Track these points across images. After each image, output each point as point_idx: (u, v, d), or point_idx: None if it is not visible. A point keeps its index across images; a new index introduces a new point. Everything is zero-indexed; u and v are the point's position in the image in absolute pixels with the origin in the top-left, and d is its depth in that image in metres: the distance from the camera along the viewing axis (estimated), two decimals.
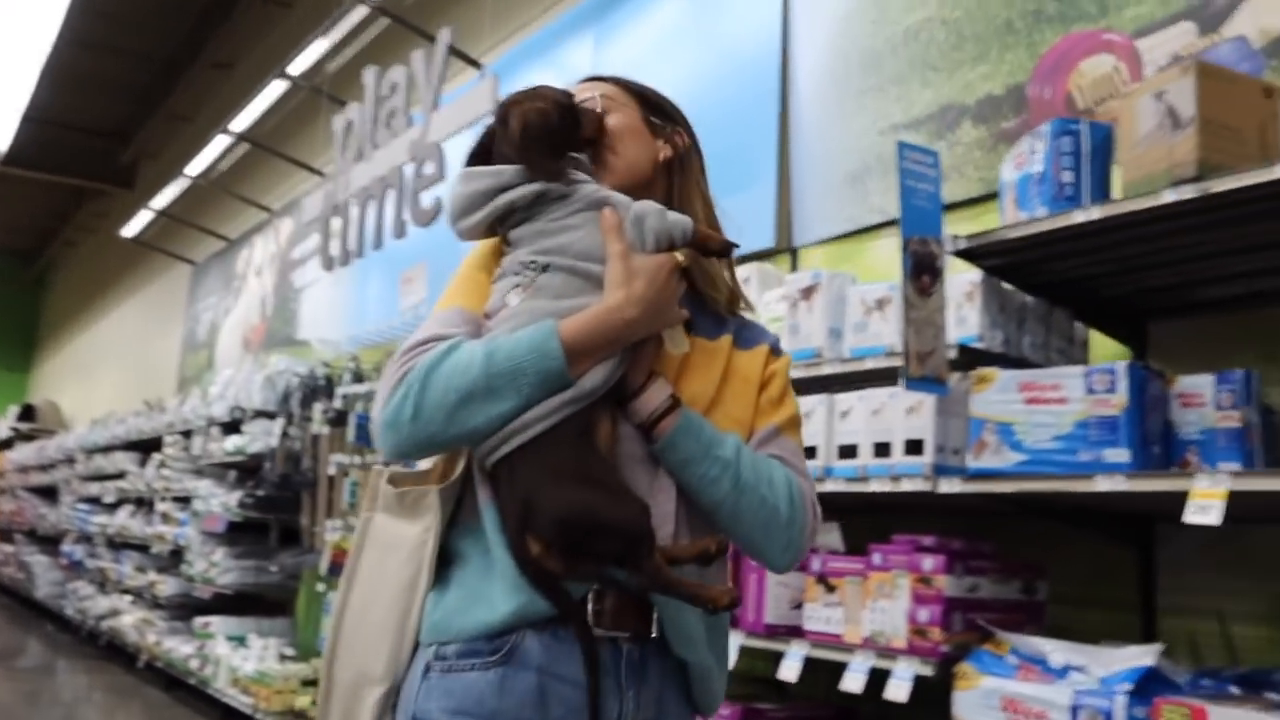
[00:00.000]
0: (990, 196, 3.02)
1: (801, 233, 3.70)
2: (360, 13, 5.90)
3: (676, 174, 1.42)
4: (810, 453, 2.53)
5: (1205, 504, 1.69)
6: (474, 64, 5.86)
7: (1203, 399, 1.95)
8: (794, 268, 3.69)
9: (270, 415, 6.33)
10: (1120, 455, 1.88)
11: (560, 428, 1.17)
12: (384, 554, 1.26)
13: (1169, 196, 1.83)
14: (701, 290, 1.37)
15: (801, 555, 1.29)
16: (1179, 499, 1.76)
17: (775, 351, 1.41)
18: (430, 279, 5.38)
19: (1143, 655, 1.90)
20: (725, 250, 1.33)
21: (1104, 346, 2.65)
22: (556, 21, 5.36)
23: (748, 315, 1.45)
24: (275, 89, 7.04)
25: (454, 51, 5.24)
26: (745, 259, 3.86)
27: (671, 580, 1.17)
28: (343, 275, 6.27)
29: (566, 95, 1.34)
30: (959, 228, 3.12)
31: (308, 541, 5.81)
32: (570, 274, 1.24)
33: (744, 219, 3.79)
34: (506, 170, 1.27)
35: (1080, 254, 2.16)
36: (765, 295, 2.89)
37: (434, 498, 1.25)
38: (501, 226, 1.31)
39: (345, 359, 5.91)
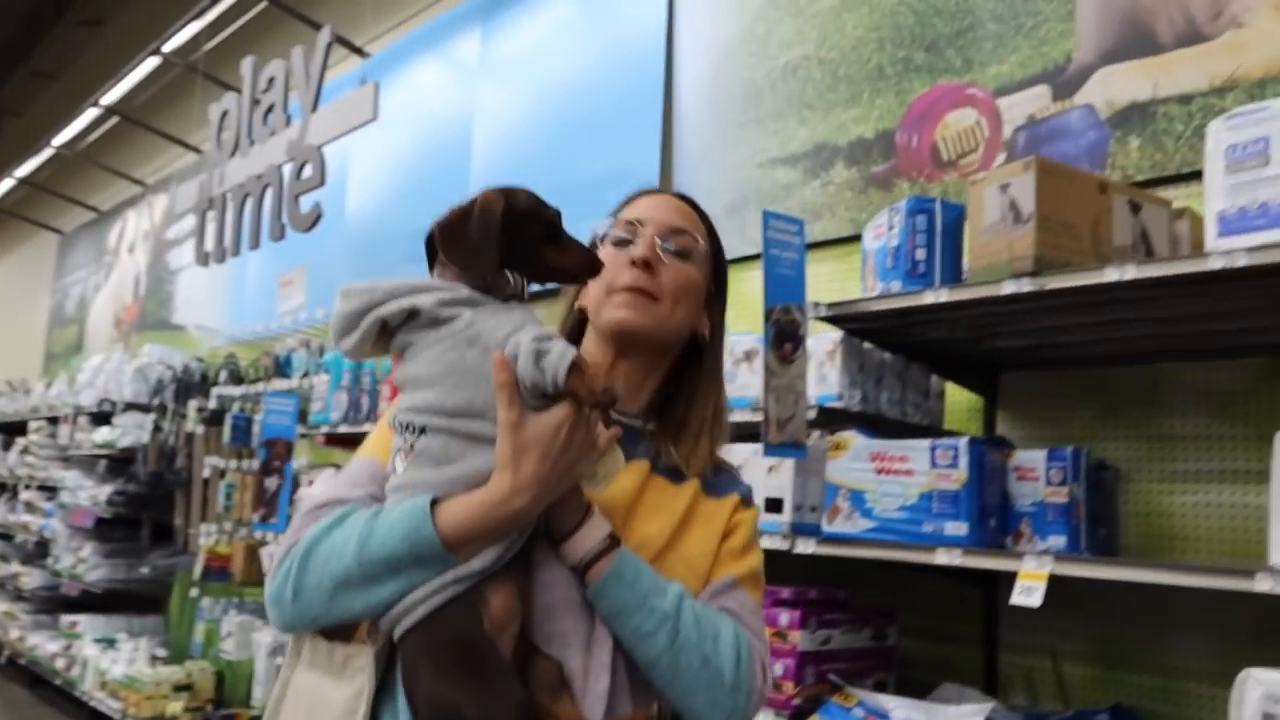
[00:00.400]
0: (857, 237, 3.12)
1: None
2: None
3: (712, 349, 1.35)
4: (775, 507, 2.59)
5: (1030, 585, 1.81)
6: (358, 51, 5.72)
7: (1036, 473, 2.07)
8: None
9: (142, 408, 6.13)
10: (959, 528, 1.99)
11: (448, 606, 1.05)
12: (308, 717, 1.13)
13: (1009, 288, 1.93)
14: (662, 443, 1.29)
15: None
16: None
17: (746, 502, 1.32)
18: (310, 285, 5.27)
19: (976, 714, 2.02)
20: (603, 403, 1.09)
21: (959, 396, 2.79)
22: (444, 15, 5.26)
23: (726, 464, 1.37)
24: (148, 64, 6.74)
25: (337, 39, 5.11)
26: None
27: None
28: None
29: (539, 200, 1.17)
30: (830, 265, 3.24)
31: (181, 542, 5.67)
32: (450, 436, 1.09)
33: None
34: (378, 288, 1.12)
35: (933, 324, 2.26)
36: None
37: (367, 659, 1.10)
38: (388, 347, 1.14)
39: (221, 354, 5.76)
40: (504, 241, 1.11)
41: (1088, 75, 2.65)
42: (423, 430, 1.09)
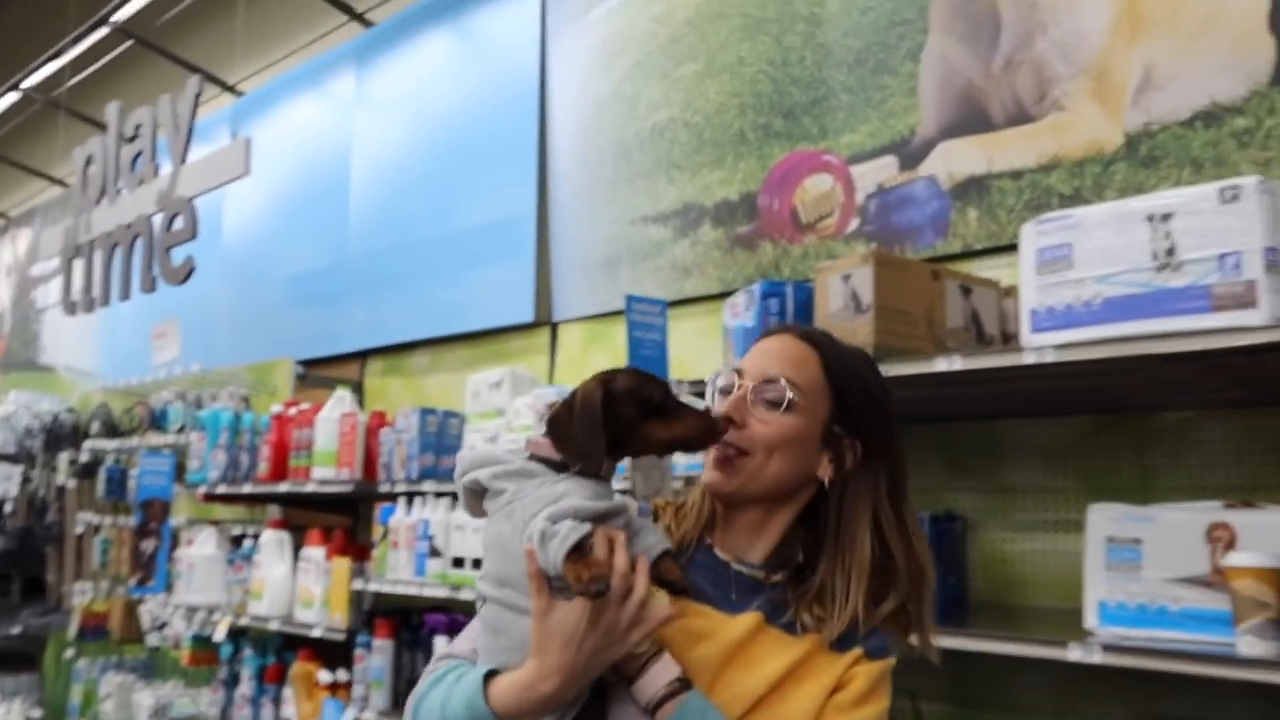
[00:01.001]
0: (726, 294, 3.25)
1: (560, 309, 3.83)
2: (101, 32, 5.53)
3: (838, 496, 1.30)
4: None
5: None
6: (230, 89, 5.63)
7: None
8: (553, 343, 3.83)
9: (9, 458, 5.90)
10: None
11: None
12: None
13: None
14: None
15: None
16: None
17: (871, 655, 1.26)
18: (187, 334, 5.17)
19: None
20: (589, 593, 1.10)
21: None
22: (320, 54, 5.22)
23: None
24: (8, 98, 6.49)
25: (208, 78, 5.03)
26: (507, 330, 3.98)
27: None
28: None
29: (641, 377, 1.23)
30: (699, 321, 3.36)
31: (54, 599, 5.48)
32: (500, 605, 1.18)
33: (505, 290, 3.93)
34: (466, 458, 1.24)
35: None
36: (516, 401, 3.00)
37: None
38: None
39: (93, 401, 5.59)
40: (607, 428, 1.19)
41: (930, 148, 2.83)
42: (484, 599, 1.21)
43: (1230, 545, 1.75)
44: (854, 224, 2.99)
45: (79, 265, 4.97)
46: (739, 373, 1.33)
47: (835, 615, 1.25)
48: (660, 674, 1.16)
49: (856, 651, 1.25)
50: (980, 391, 2.38)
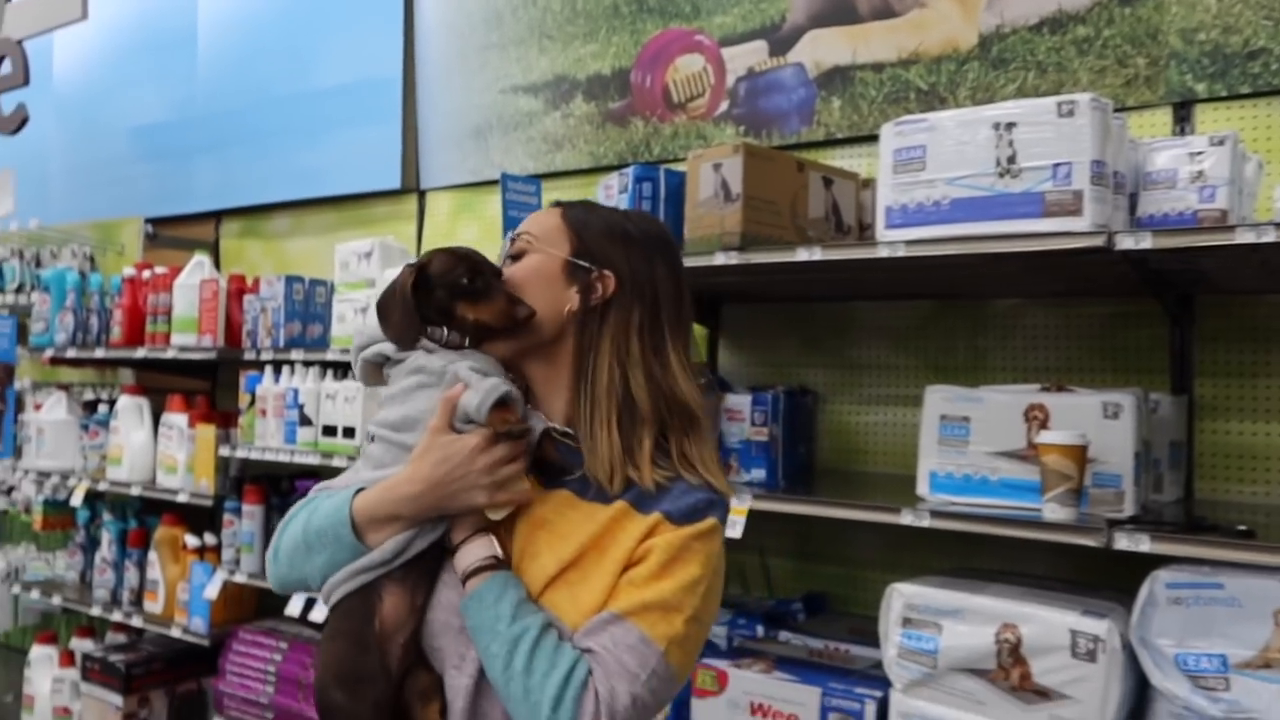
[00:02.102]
0: (598, 169, 3.30)
1: (428, 176, 3.78)
2: None
3: (590, 327, 1.28)
4: None
5: (733, 519, 2.13)
6: None
7: (742, 415, 2.39)
8: (421, 210, 3.80)
9: None
10: None
11: (352, 597, 1.21)
12: None
13: (720, 259, 2.18)
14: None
15: None
16: None
17: (675, 519, 1.21)
18: (22, 190, 4.83)
19: None
20: (510, 435, 1.19)
21: None
22: None
23: (694, 479, 1.26)
24: None
25: None
26: (372, 196, 3.91)
27: None
28: None
29: (453, 260, 1.27)
30: (570, 195, 3.39)
31: None
32: (388, 444, 1.27)
33: (370, 155, 3.85)
34: (364, 332, 1.33)
35: None
36: (386, 272, 3.01)
37: None
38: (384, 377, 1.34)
39: None
40: (420, 309, 1.27)
41: (799, 36, 2.90)
42: (373, 438, 1.30)
43: (1044, 424, 1.98)
44: (723, 106, 3.06)
45: None
46: (512, 239, 1.39)
47: (594, 462, 1.24)
48: (477, 549, 1.20)
49: (653, 518, 1.20)
50: (835, 277, 2.54)
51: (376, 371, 1.34)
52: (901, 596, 1.99)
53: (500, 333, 1.28)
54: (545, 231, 1.33)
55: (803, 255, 2.08)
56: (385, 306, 1.29)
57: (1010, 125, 1.86)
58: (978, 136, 1.89)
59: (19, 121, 3.84)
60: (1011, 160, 1.86)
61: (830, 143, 2.85)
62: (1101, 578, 2.15)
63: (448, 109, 3.72)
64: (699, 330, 3.07)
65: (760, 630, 2.52)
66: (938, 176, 1.94)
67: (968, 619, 1.90)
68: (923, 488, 2.12)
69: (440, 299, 1.27)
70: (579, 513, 1.24)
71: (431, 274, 1.28)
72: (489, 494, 1.20)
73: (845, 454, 2.82)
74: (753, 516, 2.18)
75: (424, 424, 1.23)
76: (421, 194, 3.82)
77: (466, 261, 1.29)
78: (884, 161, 2.02)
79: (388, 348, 1.30)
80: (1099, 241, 1.76)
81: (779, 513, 2.23)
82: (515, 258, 1.34)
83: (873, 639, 2.36)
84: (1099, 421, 1.93)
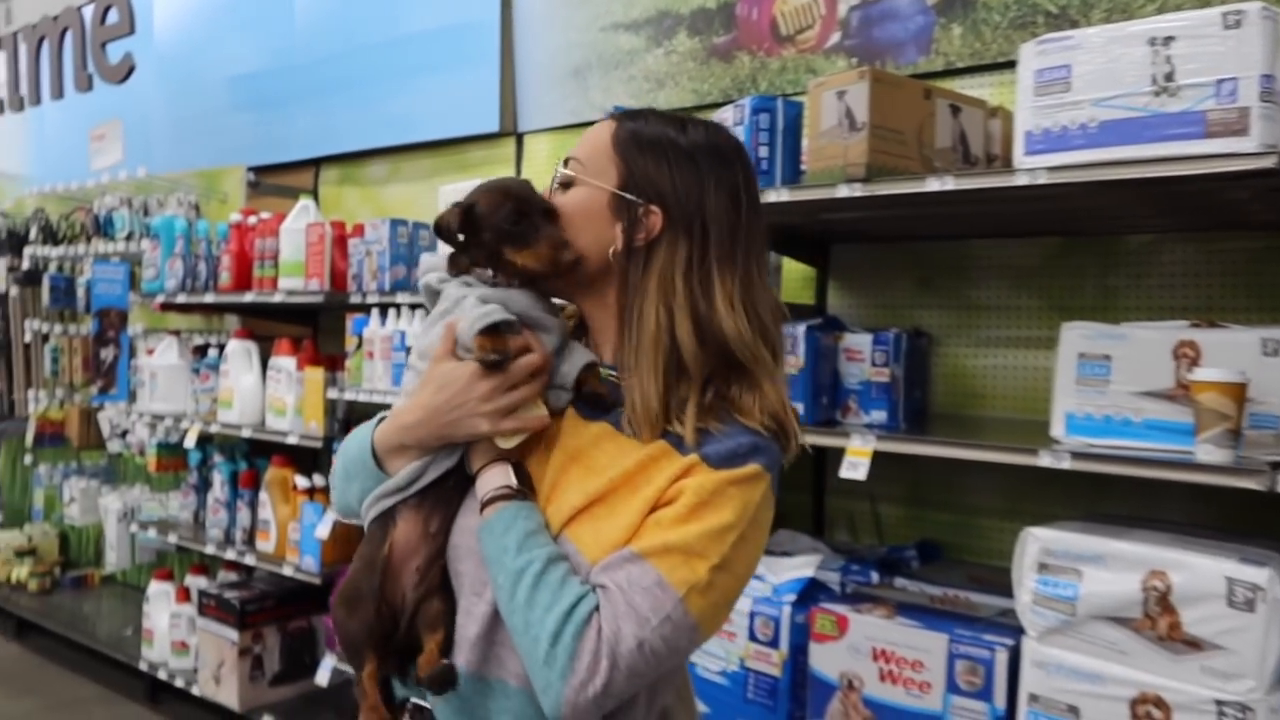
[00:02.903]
0: (702, 106, 3.21)
1: (526, 119, 3.74)
2: None
3: (635, 268, 1.19)
4: None
5: (856, 461, 2.07)
6: None
7: (862, 355, 2.31)
8: (519, 153, 3.76)
9: None
10: (798, 407, 2.21)
11: (373, 522, 1.23)
12: None
13: (843, 191, 2.09)
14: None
15: (569, 709, 1.05)
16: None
17: (713, 462, 1.12)
18: (127, 140, 4.92)
19: (806, 566, 2.32)
20: (486, 362, 1.14)
21: (794, 268, 2.99)
22: None
23: (743, 421, 1.16)
24: None
25: None
26: (469, 141, 3.89)
27: (372, 705, 1.20)
28: None
29: (500, 199, 1.21)
30: None
31: (5, 406, 5.44)
32: (416, 373, 1.27)
33: (467, 99, 3.82)
34: (422, 264, 1.34)
35: (775, 213, 2.42)
36: None
37: None
38: None
39: (28, 206, 5.37)
40: (469, 251, 1.24)
41: None
42: (409, 368, 1.29)
43: (1195, 362, 1.86)
44: (834, 37, 2.94)
45: (2, 60, 4.67)
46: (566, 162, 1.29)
47: (632, 410, 1.16)
48: (493, 478, 1.17)
49: (690, 459, 1.12)
50: (953, 212, 2.43)
51: (435, 298, 1.32)
52: (1037, 541, 1.91)
53: (546, 277, 1.23)
54: (593, 156, 1.23)
55: (933, 185, 1.99)
56: (440, 236, 1.27)
57: (1168, 40, 1.73)
58: (1131, 53, 1.77)
59: (126, 71, 3.90)
60: (1169, 78, 1.73)
61: (949, 72, 2.72)
62: (1253, 525, 2.03)
63: (546, 49, 3.66)
64: (804, 270, 2.98)
65: (875, 576, 2.47)
66: (1084, 97, 1.82)
67: (1110, 565, 1.81)
68: (1058, 429, 2.02)
69: (487, 241, 1.22)
70: (615, 446, 1.18)
71: (479, 215, 1.23)
72: (491, 421, 1.16)
73: (961, 398, 2.73)
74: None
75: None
76: (519, 137, 3.78)
77: (513, 201, 1.22)
78: (1023, 83, 1.91)
79: (431, 277, 1.27)
80: (1269, 163, 1.63)
81: (894, 454, 2.16)
82: (565, 186, 1.25)
83: (994, 587, 2.30)
84: (1257, 359, 1.81)
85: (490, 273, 1.24)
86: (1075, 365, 2.00)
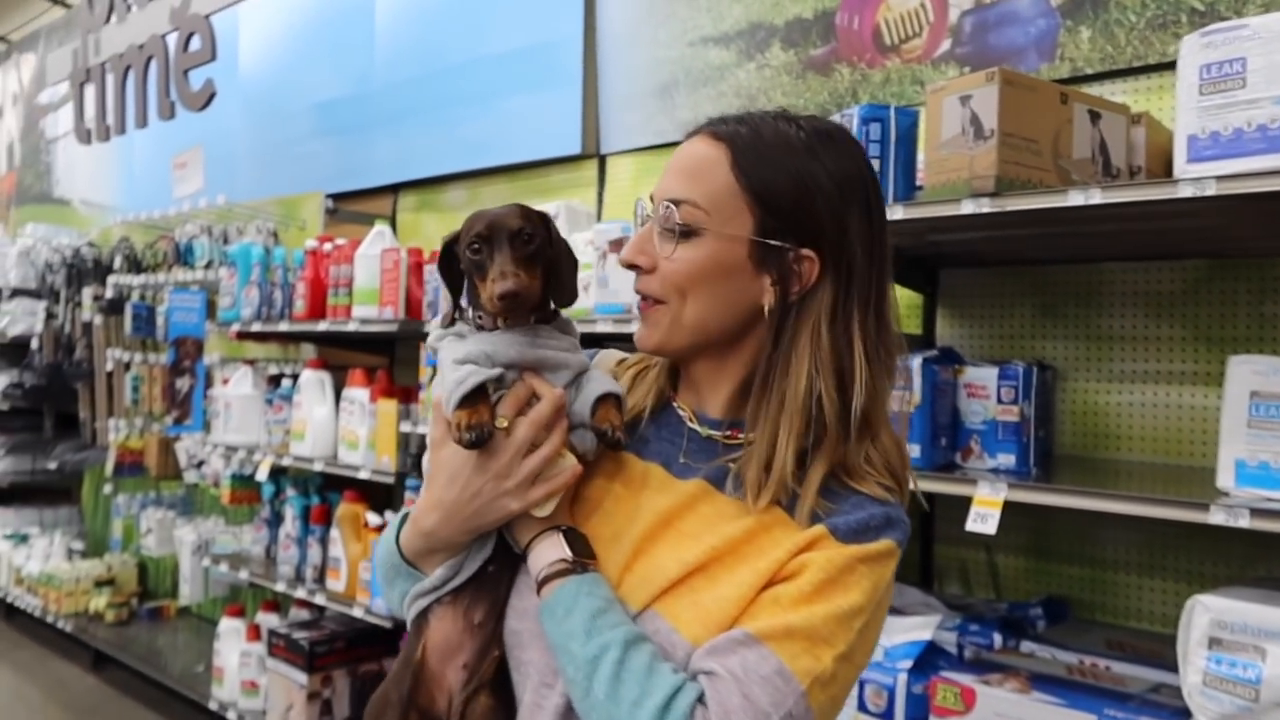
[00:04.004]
0: None
1: (609, 140, 3.58)
2: None
3: (786, 324, 1.01)
4: None
5: (984, 512, 1.82)
6: None
7: (986, 391, 2.06)
8: (601, 176, 3.60)
9: (31, 294, 5.77)
10: (913, 450, 1.98)
11: (414, 622, 1.09)
12: None
13: (968, 208, 1.86)
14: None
15: None
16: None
17: (841, 535, 0.97)
18: (208, 167, 4.91)
19: (923, 627, 2.07)
20: (468, 443, 0.98)
21: (899, 294, 2.75)
22: None
23: (876, 487, 1.02)
24: None
25: None
26: (550, 164, 3.74)
27: None
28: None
29: (474, 221, 1.05)
30: None
31: (88, 435, 5.45)
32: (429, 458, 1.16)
33: (548, 120, 3.68)
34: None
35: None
36: (573, 237, 2.80)
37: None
38: None
39: (113, 236, 5.40)
40: (454, 287, 1.12)
41: None
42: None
43: None
44: (945, 45, 2.71)
45: (90, 90, 4.70)
46: (652, 199, 1.07)
47: (766, 478, 0.99)
48: (546, 552, 1.01)
49: (816, 530, 0.97)
50: (1084, 231, 2.18)
51: None
52: (1208, 611, 1.63)
53: (519, 311, 1.05)
54: (715, 196, 1.01)
55: (1076, 199, 1.74)
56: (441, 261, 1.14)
57: None
58: None
59: (207, 97, 3.86)
60: None
61: (1076, 79, 2.47)
62: None
63: (630, 67, 3.49)
64: (909, 297, 2.74)
65: (997, 639, 2.19)
66: (1263, 95, 1.56)
67: None
68: (1226, 479, 1.74)
69: (461, 272, 1.09)
70: (714, 508, 1.02)
71: (454, 248, 1.09)
72: (519, 497, 1.01)
73: (1089, 438, 2.45)
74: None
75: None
76: (602, 159, 3.61)
77: (478, 223, 1.04)
78: (1185, 81, 1.66)
79: (430, 339, 1.12)
80: None
81: (1029, 504, 1.90)
82: (683, 233, 1.01)
83: (1140, 656, 2.02)
84: None
85: (472, 314, 1.09)
86: (1247, 405, 1.73)
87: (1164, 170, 2.18)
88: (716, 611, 0.95)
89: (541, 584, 0.99)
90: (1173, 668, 1.90)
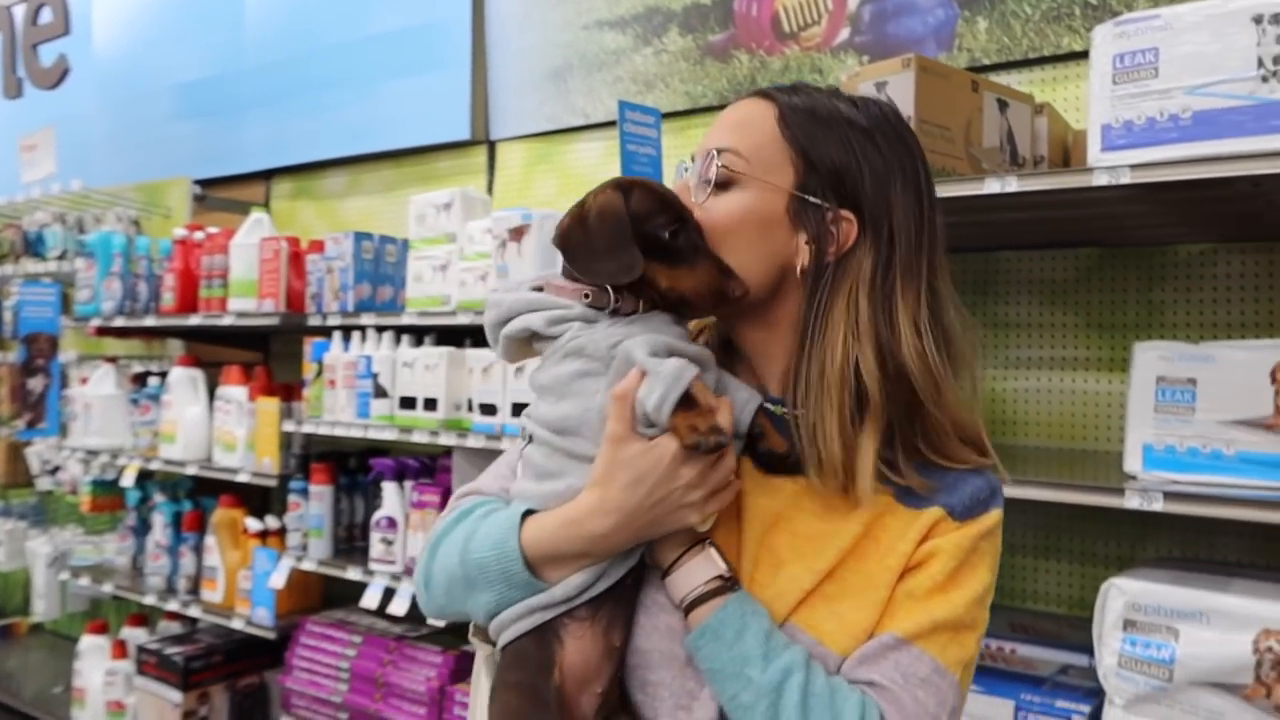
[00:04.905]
0: (695, 111, 2.96)
1: (499, 126, 3.46)
2: None
3: (821, 287, 0.97)
4: (489, 410, 2.48)
5: None
6: None
7: None
8: (491, 163, 3.48)
9: None
10: None
11: (526, 638, 0.96)
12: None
13: None
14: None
15: None
16: None
17: (957, 514, 0.97)
18: (61, 151, 4.55)
19: None
20: (704, 448, 0.90)
21: None
22: None
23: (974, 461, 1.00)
24: None
25: None
26: (437, 150, 3.60)
27: None
28: None
29: (654, 200, 0.97)
30: (664, 140, 3.06)
31: None
32: (550, 450, 1.00)
33: (434, 105, 3.54)
34: (504, 303, 1.02)
35: None
36: (469, 225, 2.69)
37: (483, 661, 1.09)
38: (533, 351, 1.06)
39: None
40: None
41: None
42: (530, 439, 1.03)
43: None
44: (843, 34, 2.70)
45: None
46: (693, 158, 1.05)
47: (818, 454, 0.95)
48: (697, 570, 0.94)
49: (932, 513, 0.96)
50: (978, 221, 2.20)
51: (524, 346, 1.03)
52: (1123, 594, 1.66)
53: (699, 308, 0.99)
54: (758, 147, 0.99)
55: (993, 187, 1.74)
56: (581, 240, 0.98)
57: (1277, 17, 1.51)
58: (1230, 34, 1.54)
59: (59, 75, 3.56)
60: (1278, 61, 1.50)
61: (974, 69, 2.49)
62: None
63: (522, 50, 3.38)
64: None
65: None
66: (1175, 85, 1.59)
67: (1214, 623, 1.57)
68: (1134, 463, 1.77)
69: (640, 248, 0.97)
70: (816, 504, 0.98)
71: (634, 210, 0.96)
72: (700, 510, 0.94)
73: (988, 424, 2.44)
74: None
75: (592, 426, 0.96)
76: (492, 145, 3.50)
77: (670, 208, 0.96)
78: (1099, 71, 1.67)
79: (535, 320, 0.99)
80: None
81: None
82: (719, 185, 0.99)
83: (1044, 637, 2.06)
84: None
85: (613, 298, 0.97)
86: (1154, 390, 1.76)
87: (1063, 160, 2.23)
88: (859, 619, 0.93)
89: (695, 603, 0.93)
90: (1076, 648, 1.94)
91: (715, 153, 1.00)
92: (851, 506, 0.96)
